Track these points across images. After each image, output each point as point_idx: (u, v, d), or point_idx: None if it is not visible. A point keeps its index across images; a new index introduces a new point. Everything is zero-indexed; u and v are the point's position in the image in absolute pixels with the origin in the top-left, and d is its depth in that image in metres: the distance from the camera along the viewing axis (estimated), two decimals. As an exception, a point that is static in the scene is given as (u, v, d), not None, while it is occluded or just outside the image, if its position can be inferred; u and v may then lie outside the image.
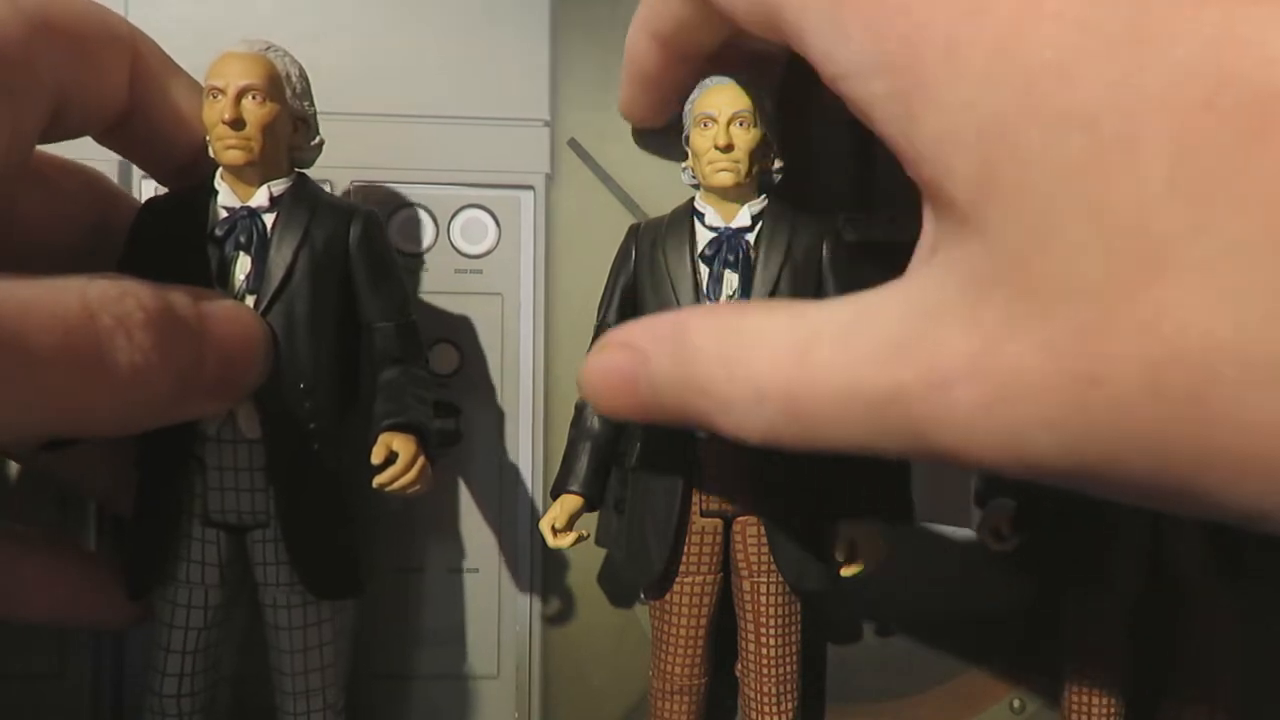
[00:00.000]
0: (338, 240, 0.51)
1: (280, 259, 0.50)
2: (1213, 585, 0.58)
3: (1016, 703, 0.66)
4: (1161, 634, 0.60)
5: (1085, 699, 0.60)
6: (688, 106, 0.55)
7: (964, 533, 0.63)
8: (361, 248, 0.52)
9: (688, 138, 0.55)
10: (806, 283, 0.54)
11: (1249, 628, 0.60)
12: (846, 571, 0.56)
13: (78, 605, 0.53)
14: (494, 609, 0.62)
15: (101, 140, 0.52)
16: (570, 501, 0.54)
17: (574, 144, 0.62)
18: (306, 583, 0.51)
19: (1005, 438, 0.29)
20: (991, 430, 0.29)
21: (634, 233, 0.57)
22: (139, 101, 0.51)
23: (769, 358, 0.36)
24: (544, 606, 0.62)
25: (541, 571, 0.62)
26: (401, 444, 0.48)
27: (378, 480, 0.47)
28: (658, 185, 0.62)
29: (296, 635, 0.52)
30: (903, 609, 0.65)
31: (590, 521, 0.57)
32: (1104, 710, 0.60)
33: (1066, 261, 0.26)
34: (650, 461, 0.55)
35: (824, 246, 0.55)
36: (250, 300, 0.49)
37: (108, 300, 0.40)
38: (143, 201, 0.52)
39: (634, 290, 0.56)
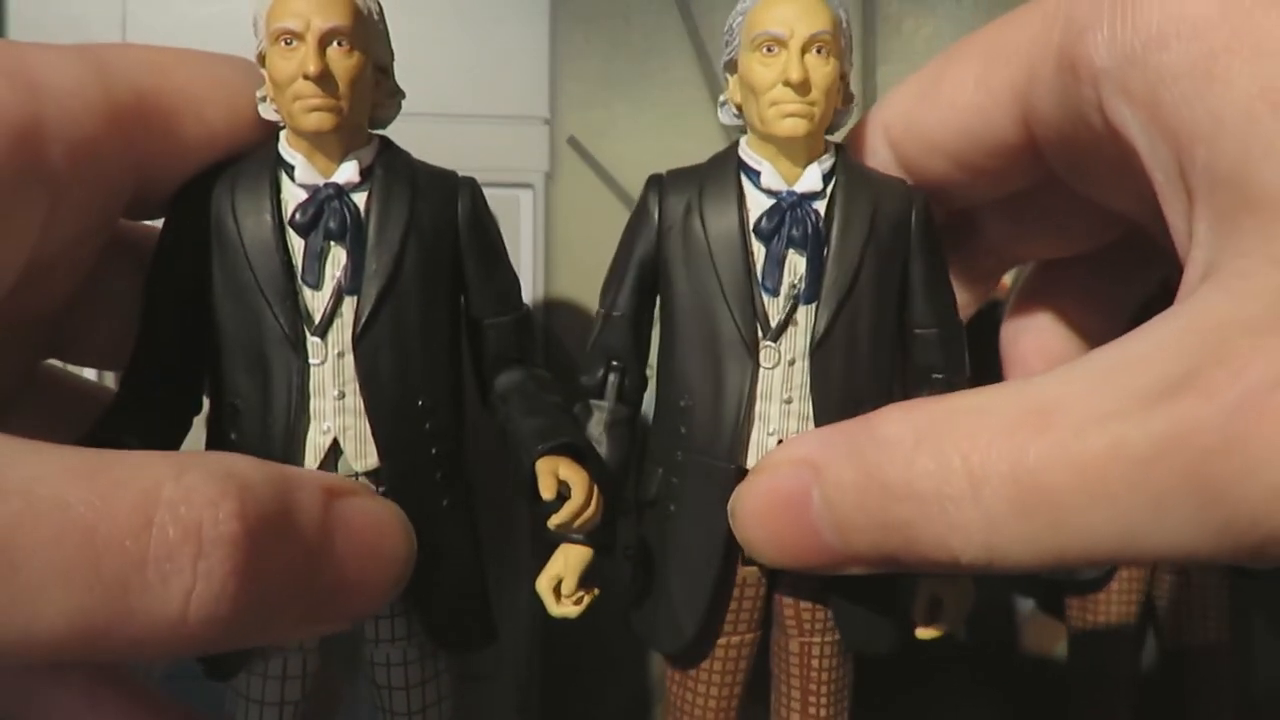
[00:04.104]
0: (445, 218, 0.41)
1: (384, 248, 0.39)
2: (1220, 583, 0.58)
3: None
4: (1168, 646, 0.60)
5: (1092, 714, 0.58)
6: (738, 18, 0.41)
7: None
8: (473, 227, 0.42)
9: (733, 62, 0.41)
10: (892, 270, 0.41)
11: (1255, 623, 0.61)
12: (926, 634, 0.44)
13: None
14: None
15: None
16: (576, 553, 0.42)
17: (573, 142, 0.60)
18: (433, 634, 0.42)
19: None
20: None
21: (657, 186, 0.42)
22: None
23: (992, 430, 0.29)
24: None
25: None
26: (570, 471, 0.39)
27: (556, 521, 0.38)
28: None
29: (415, 695, 0.44)
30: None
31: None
32: None
33: None
34: (679, 493, 0.42)
35: (912, 215, 0.41)
36: (350, 303, 0.39)
37: (194, 501, 0.28)
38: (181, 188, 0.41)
39: (655, 268, 0.42)
